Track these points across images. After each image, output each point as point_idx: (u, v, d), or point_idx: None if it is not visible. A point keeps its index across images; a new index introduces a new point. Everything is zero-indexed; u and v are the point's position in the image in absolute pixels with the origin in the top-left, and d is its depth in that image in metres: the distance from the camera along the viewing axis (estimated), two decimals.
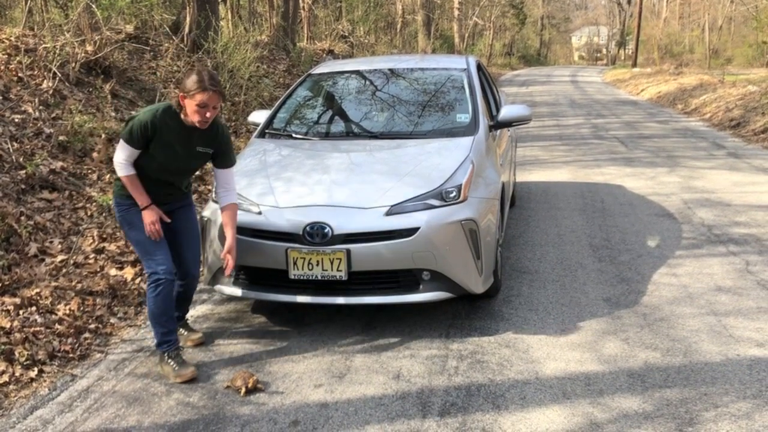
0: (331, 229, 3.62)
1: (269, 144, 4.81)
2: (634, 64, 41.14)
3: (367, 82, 5.50)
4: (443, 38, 35.31)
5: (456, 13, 37.24)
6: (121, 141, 3.29)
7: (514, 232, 5.82)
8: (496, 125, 4.93)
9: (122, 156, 3.29)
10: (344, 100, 5.40)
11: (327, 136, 4.97)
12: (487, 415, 2.98)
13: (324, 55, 16.57)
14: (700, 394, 3.11)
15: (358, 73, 5.68)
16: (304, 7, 19.24)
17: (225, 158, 3.51)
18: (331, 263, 3.63)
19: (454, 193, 3.77)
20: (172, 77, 8.83)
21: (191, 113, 3.24)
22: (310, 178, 4.06)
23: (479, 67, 5.70)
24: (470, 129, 4.55)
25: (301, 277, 3.69)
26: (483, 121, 4.66)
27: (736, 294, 4.34)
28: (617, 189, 7.62)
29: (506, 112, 4.95)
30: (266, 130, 5.04)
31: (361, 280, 3.71)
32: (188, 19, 9.96)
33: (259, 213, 3.83)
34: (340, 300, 3.75)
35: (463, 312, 4.11)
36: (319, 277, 3.67)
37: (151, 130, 3.24)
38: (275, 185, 4.01)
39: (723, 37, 51.27)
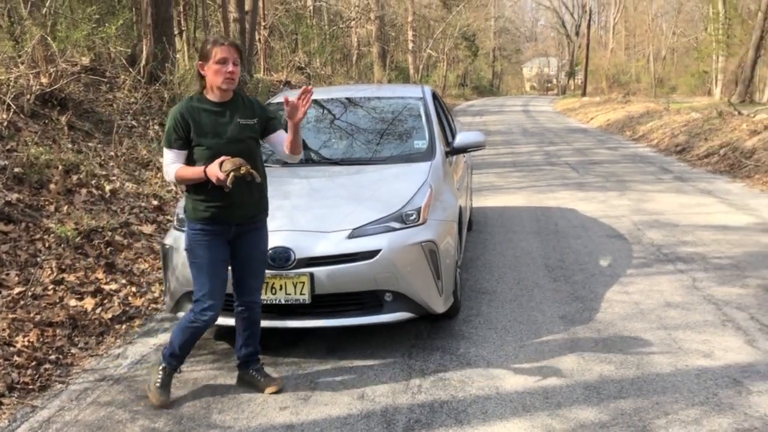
0: (294, 253, 3.68)
1: None
2: (584, 94, 42.39)
3: (326, 111, 5.61)
4: (398, 69, 35.89)
5: (410, 45, 37.98)
6: (164, 149, 3.22)
7: (472, 255, 5.96)
8: (452, 151, 5.09)
9: (167, 161, 3.20)
10: (303, 128, 5.48)
11: (286, 163, 5.03)
12: (451, 429, 3.06)
13: (281, 86, 16.70)
14: (653, 403, 3.24)
15: (316, 102, 5.77)
16: (260, 39, 19.42)
17: (271, 122, 3.36)
18: (295, 287, 3.69)
19: (414, 216, 3.88)
20: (129, 109, 8.81)
21: (213, 77, 3.12)
22: (271, 204, 4.10)
23: (434, 96, 5.87)
24: (427, 155, 4.69)
25: (265, 302, 3.71)
26: (440, 147, 4.81)
27: (684, 309, 4.53)
28: (570, 212, 7.86)
29: (461, 138, 5.12)
30: None
31: (324, 303, 3.77)
32: (145, 51, 9.98)
33: None
34: (304, 323, 3.80)
35: (425, 332, 4.20)
36: (283, 301, 3.71)
37: (183, 121, 3.14)
38: None
39: (667, 67, 53.32)
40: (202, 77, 3.20)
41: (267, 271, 3.67)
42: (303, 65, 21.08)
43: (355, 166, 4.70)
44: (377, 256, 3.68)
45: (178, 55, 11.43)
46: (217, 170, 3.02)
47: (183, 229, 4.03)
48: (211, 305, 3.24)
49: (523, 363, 3.73)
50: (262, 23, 19.96)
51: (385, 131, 5.21)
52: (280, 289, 3.69)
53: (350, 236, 3.74)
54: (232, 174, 3.01)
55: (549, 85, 79.99)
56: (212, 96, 3.20)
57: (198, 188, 3.19)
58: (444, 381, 3.54)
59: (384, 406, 3.30)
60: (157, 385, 3.36)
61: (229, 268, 3.38)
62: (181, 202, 4.38)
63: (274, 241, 3.73)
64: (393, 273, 3.70)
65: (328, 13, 30.42)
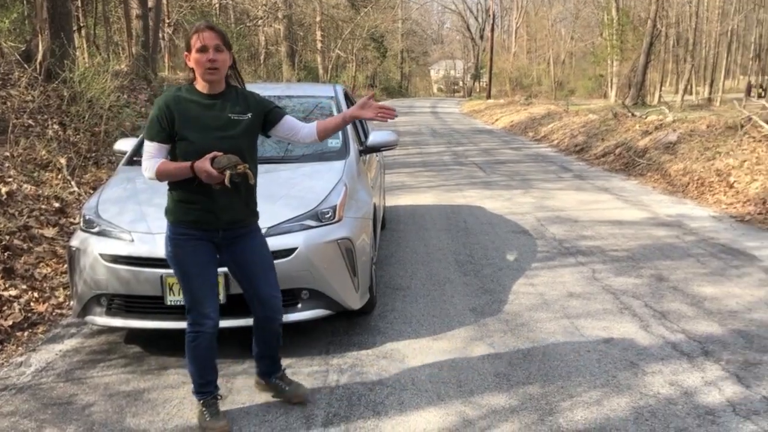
0: None
1: (138, 171, 4.72)
2: (489, 96, 43.66)
3: None
4: (307, 69, 35.75)
5: (319, 45, 37.92)
6: (145, 142, 2.93)
7: (386, 252, 6.07)
8: (366, 150, 5.16)
9: (147, 155, 2.90)
10: None
11: None
12: (369, 421, 3.13)
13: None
14: (558, 387, 3.43)
15: None
16: (164, 36, 18.88)
17: (273, 112, 3.06)
18: None
19: (330, 214, 3.93)
20: (25, 107, 8.38)
21: (197, 66, 2.84)
22: None
23: (346, 96, 5.93)
24: (341, 153, 4.75)
25: (178, 303, 3.66)
26: (353, 146, 4.87)
27: (585, 299, 4.80)
28: (478, 210, 8.12)
29: (374, 137, 5.20)
30: (134, 158, 4.96)
31: (240, 303, 3.73)
32: (41, 47, 9.50)
33: (132, 240, 3.78)
34: (220, 323, 3.75)
35: (342, 329, 4.26)
36: None
37: (168, 112, 2.85)
38: (147, 211, 3.98)
39: (566, 71, 55.73)
40: (192, 68, 2.92)
41: None
42: None
43: (268, 165, 4.68)
44: (293, 255, 3.70)
45: (77, 52, 10.96)
46: (207, 166, 2.73)
47: (90, 230, 3.94)
48: (210, 312, 3.00)
49: (436, 355, 3.85)
50: (167, 20, 19.43)
51: None
52: None
53: (266, 234, 3.71)
54: (229, 172, 2.74)
55: (456, 87, 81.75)
56: (201, 87, 2.92)
57: (182, 187, 2.91)
58: (361, 375, 3.61)
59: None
60: (207, 419, 3.06)
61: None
62: (88, 203, 4.25)
63: None
64: (309, 271, 3.73)
65: (235, 11, 29.93)
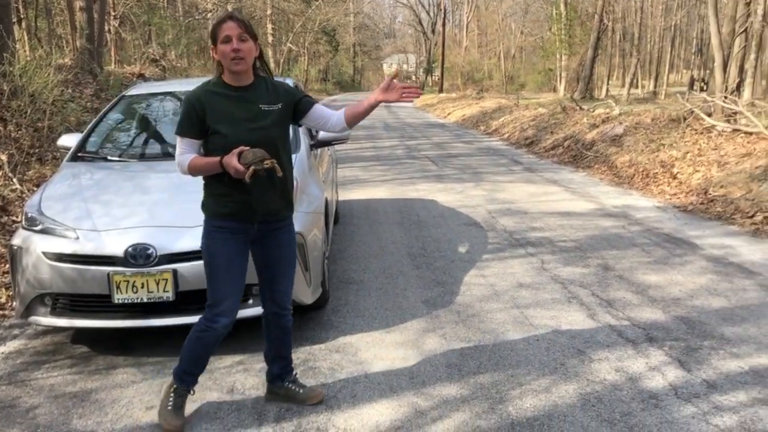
0: (155, 249, 3.59)
1: (83, 167, 4.64)
2: (441, 90, 43.94)
3: None
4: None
5: (270, 38, 37.55)
6: (177, 138, 2.91)
7: (339, 247, 6.06)
8: (317, 144, 5.14)
9: (178, 150, 2.89)
10: (160, 122, 5.34)
11: (143, 157, 4.89)
12: (321, 415, 3.13)
13: (134, 78, 15.95)
14: (508, 376, 3.49)
15: (172, 94, 5.63)
16: (110, 29, 18.42)
17: (303, 101, 3.02)
18: (157, 284, 3.59)
19: None
20: None
21: (222, 57, 2.81)
22: (130, 200, 4.00)
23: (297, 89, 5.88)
24: (292, 148, 4.71)
25: (126, 301, 3.61)
26: (304, 140, 4.85)
27: (534, 289, 4.89)
28: (430, 203, 8.18)
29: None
30: (79, 154, 4.84)
31: (189, 300, 3.70)
32: None
33: (77, 238, 3.70)
34: (169, 321, 3.70)
35: (294, 324, 4.18)
36: (145, 300, 3.61)
37: (200, 106, 2.84)
38: (93, 208, 3.89)
39: (516, 65, 56.47)
40: (219, 62, 2.88)
41: (127, 269, 3.57)
42: (157, 57, 20.25)
43: None
44: None
45: (18, 45, 10.61)
46: (234, 161, 2.72)
47: (32, 228, 3.83)
48: (226, 310, 2.97)
49: (389, 347, 3.88)
50: (112, 13, 18.96)
51: None
52: (142, 287, 3.59)
53: None
54: (252, 167, 2.71)
55: (408, 81, 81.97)
56: (230, 80, 2.89)
57: (215, 181, 2.89)
58: (314, 369, 3.60)
59: (254, 398, 3.31)
60: (169, 407, 3.04)
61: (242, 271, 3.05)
62: (31, 200, 4.14)
63: (133, 237, 3.62)
64: None
65: (183, 4, 29.41)
